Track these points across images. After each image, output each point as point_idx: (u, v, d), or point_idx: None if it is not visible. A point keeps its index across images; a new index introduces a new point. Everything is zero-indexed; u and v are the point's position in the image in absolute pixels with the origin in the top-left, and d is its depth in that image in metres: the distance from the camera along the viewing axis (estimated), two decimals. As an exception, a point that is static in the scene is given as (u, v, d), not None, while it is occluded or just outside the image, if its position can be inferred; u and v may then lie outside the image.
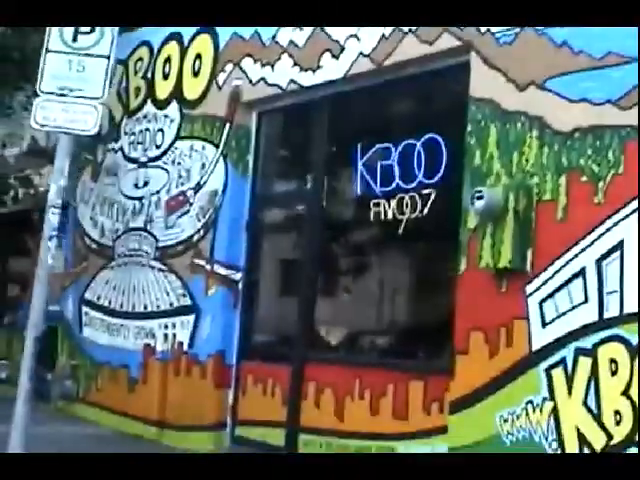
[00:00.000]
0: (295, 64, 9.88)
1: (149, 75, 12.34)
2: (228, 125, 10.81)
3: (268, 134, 10.86)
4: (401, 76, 8.91)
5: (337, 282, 10.26)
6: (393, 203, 8.79)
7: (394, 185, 8.81)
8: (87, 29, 8.20)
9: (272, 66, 10.19)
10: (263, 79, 10.32)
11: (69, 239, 13.64)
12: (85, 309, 13.10)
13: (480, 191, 7.49)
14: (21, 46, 12.95)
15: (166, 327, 11.33)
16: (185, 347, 10.96)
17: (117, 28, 8.29)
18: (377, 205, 8.96)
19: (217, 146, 10.94)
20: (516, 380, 7.15)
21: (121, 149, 12.74)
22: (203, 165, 11.12)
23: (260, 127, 10.80)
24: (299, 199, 10.23)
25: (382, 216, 8.90)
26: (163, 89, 12.02)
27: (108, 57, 8.27)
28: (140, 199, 12.15)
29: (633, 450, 6.30)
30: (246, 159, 10.76)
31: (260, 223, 10.72)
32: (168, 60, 11.98)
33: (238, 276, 10.57)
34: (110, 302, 12.51)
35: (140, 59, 12.55)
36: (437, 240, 8.71)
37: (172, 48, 11.92)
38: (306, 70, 9.73)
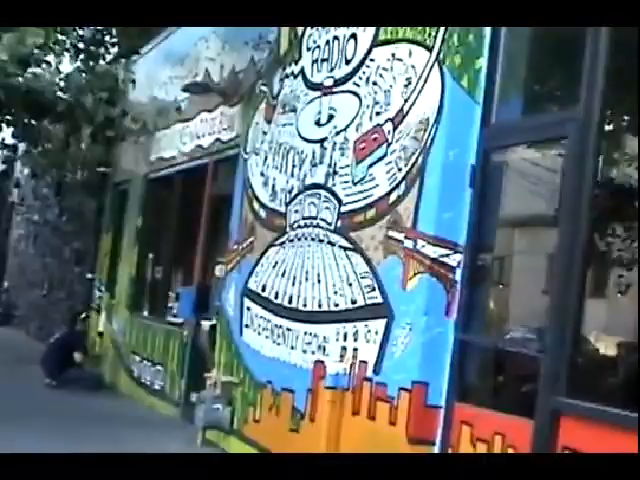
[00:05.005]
0: None
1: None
2: (449, 14, 6.66)
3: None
4: None
5: (618, 278, 5.91)
6: None
7: None
8: None
9: None
10: None
11: (236, 204, 9.92)
12: (247, 303, 9.25)
13: None
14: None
15: (345, 337, 7.34)
16: (369, 371, 6.92)
17: None
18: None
19: (430, 50, 6.83)
20: None
21: (302, 72, 8.83)
22: (408, 82, 7.03)
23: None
24: (557, 132, 5.86)
25: None
26: (361, -26, 7.99)
27: None
28: (322, 142, 8.21)
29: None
30: (476, 68, 6.59)
31: (495, 173, 6.54)
32: None
33: (456, 259, 6.46)
34: (277, 295, 8.62)
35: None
36: None
37: None
38: None
